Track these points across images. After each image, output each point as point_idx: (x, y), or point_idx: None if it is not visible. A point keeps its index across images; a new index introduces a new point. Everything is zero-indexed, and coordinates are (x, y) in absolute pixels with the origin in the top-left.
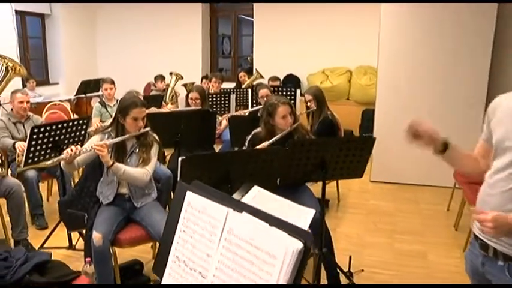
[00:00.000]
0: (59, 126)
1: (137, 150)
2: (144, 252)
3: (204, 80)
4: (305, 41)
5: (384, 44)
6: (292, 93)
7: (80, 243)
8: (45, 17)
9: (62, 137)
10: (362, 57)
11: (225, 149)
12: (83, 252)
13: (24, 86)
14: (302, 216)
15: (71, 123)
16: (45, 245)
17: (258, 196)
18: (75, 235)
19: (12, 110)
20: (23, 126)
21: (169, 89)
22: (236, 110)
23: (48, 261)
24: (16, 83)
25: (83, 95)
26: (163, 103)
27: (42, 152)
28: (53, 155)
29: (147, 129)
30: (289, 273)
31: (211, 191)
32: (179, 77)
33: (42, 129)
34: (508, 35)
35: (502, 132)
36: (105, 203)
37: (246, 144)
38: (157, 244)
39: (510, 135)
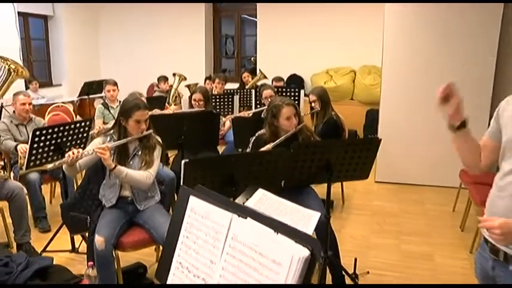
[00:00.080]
0: (61, 128)
1: (140, 152)
2: (147, 255)
3: (207, 81)
4: (309, 41)
5: (388, 44)
6: (296, 93)
7: (83, 246)
8: (48, 18)
9: (64, 139)
10: (366, 57)
11: (229, 150)
12: (86, 256)
13: (27, 87)
14: (307, 219)
15: (73, 126)
16: (48, 248)
17: (262, 199)
18: (78, 238)
19: (14, 112)
20: (25, 128)
21: (173, 90)
22: (240, 111)
23: (50, 267)
24: (19, 84)
25: (86, 97)
26: (166, 104)
27: (44, 155)
28: (55, 157)
29: (150, 131)
30: (296, 282)
31: (214, 196)
32: (182, 78)
33: (44, 132)
34: None
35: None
36: (107, 206)
37: (250, 145)
38: (161, 247)
39: None
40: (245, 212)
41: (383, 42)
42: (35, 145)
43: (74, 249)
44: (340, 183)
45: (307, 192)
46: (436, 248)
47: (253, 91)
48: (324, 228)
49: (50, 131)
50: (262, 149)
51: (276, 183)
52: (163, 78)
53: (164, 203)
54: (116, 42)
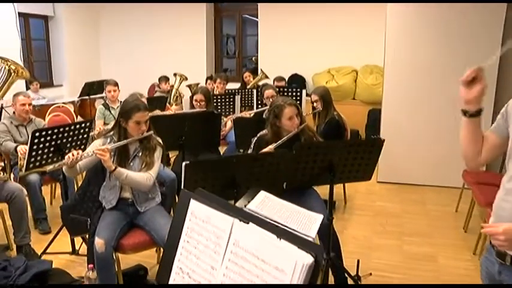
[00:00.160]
0: (61, 130)
1: (140, 154)
2: (148, 257)
3: (208, 81)
4: (310, 41)
5: (390, 44)
6: (298, 93)
7: (83, 248)
8: (48, 19)
9: (64, 140)
10: (368, 57)
11: (230, 151)
12: (86, 258)
13: (28, 88)
14: (310, 222)
15: (72, 127)
16: (48, 250)
17: (264, 201)
18: (78, 240)
19: (14, 113)
20: (25, 129)
21: (174, 90)
22: (241, 111)
23: (49, 270)
24: (20, 85)
25: (87, 97)
26: (167, 104)
27: (44, 156)
28: (55, 159)
29: (150, 132)
30: None
31: (216, 200)
32: (183, 78)
33: (43, 133)
34: None
35: None
36: (108, 208)
37: (252, 146)
38: (162, 249)
39: None
40: (247, 217)
41: (385, 41)
42: (35, 146)
43: (74, 251)
44: (342, 184)
45: (310, 193)
46: (439, 249)
47: (254, 91)
48: (326, 229)
49: (49, 132)
50: (264, 150)
51: (278, 185)
52: (164, 79)
53: (165, 205)
54: (116, 42)
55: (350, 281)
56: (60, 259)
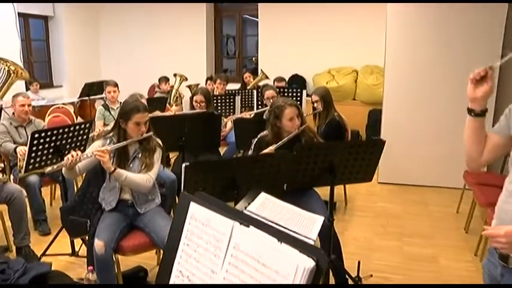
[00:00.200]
0: (60, 131)
1: (140, 155)
2: (148, 259)
3: (208, 82)
4: (310, 41)
5: (391, 44)
6: (298, 94)
7: (83, 250)
8: (48, 19)
9: (64, 141)
10: (368, 57)
11: (230, 152)
12: (86, 259)
13: (27, 89)
14: (311, 223)
15: (72, 128)
16: (47, 252)
17: (265, 203)
18: (78, 241)
19: (13, 113)
20: (25, 130)
21: (174, 91)
22: (241, 112)
23: (48, 273)
24: (20, 86)
25: (87, 98)
26: (167, 105)
27: (44, 158)
28: (54, 160)
29: (150, 133)
30: None
31: (216, 202)
32: (183, 79)
33: (43, 134)
34: None
35: None
36: (107, 209)
37: (252, 147)
38: (162, 251)
39: None
40: (247, 220)
41: (385, 42)
42: (34, 148)
43: (74, 253)
44: (343, 185)
45: (310, 194)
46: (440, 250)
47: (255, 91)
48: (327, 231)
49: (49, 133)
50: (265, 150)
51: (279, 186)
52: (164, 79)
53: (165, 206)
54: (116, 43)
55: (351, 282)
56: (59, 261)
